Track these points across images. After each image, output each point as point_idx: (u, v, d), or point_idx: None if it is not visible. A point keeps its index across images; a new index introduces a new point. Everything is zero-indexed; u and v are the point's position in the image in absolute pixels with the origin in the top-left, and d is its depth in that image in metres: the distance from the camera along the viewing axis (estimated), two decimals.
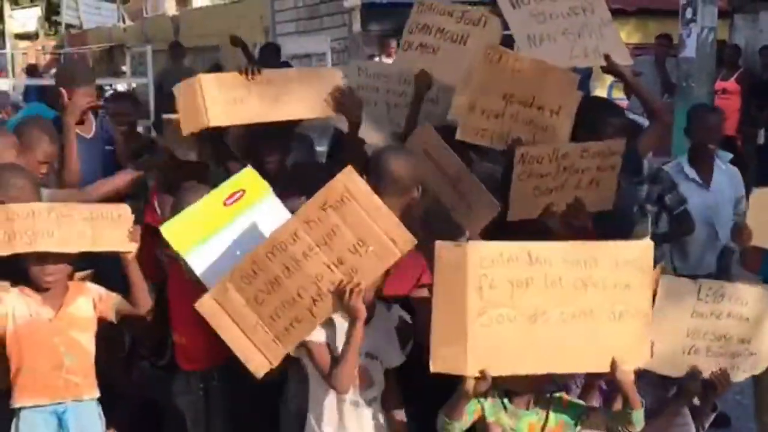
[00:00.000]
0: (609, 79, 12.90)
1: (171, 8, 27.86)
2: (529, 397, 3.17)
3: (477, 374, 2.98)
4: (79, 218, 3.47)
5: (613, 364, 3.05)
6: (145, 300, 3.60)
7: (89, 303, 3.56)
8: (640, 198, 4.84)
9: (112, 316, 3.59)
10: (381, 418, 3.42)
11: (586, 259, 3.04)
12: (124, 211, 3.56)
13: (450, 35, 4.53)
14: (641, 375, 3.20)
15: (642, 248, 3.15)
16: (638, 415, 3.07)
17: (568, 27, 4.36)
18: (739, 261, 4.48)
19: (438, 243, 3.04)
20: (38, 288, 3.48)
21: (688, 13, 9.14)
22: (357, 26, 15.32)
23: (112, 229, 3.51)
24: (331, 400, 3.33)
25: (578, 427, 3.19)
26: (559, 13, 4.36)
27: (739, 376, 3.52)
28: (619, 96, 11.05)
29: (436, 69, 4.49)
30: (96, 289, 3.61)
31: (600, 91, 11.92)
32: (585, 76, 10.42)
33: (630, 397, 3.06)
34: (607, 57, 4.34)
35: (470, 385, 2.98)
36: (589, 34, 4.37)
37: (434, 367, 3.00)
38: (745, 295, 3.44)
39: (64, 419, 3.47)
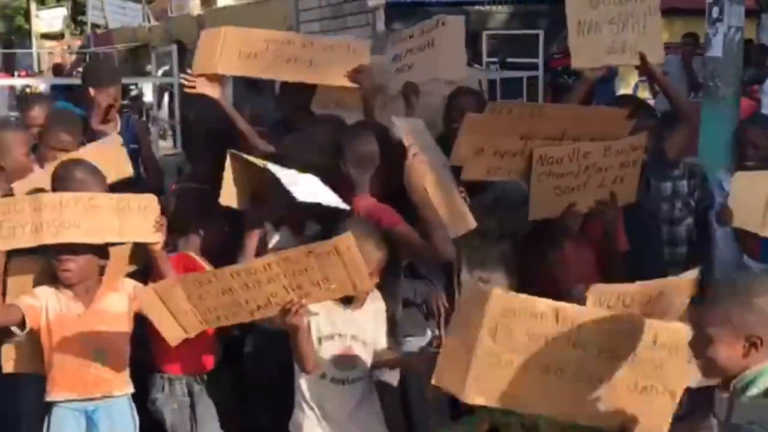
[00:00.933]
0: (634, 78, 12.94)
1: (196, 8, 27.94)
2: None
3: (477, 402, 2.97)
4: (106, 208, 3.44)
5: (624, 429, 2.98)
6: None
7: (123, 299, 3.55)
8: (681, 193, 4.70)
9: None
10: (365, 397, 3.50)
11: (618, 330, 2.94)
12: (151, 201, 3.54)
13: (416, 47, 4.62)
14: None
15: (680, 332, 2.93)
16: None
17: (616, 15, 4.35)
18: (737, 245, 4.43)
19: (466, 280, 3.12)
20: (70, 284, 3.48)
21: (715, 12, 9.04)
22: (381, 25, 15.30)
23: (139, 220, 3.49)
24: (312, 376, 3.40)
25: None
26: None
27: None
28: (644, 96, 11.02)
29: (417, 77, 4.54)
30: (129, 285, 3.59)
31: (624, 91, 11.90)
32: (612, 76, 10.44)
33: None
34: (642, 57, 4.34)
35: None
36: (632, 26, 4.36)
37: (436, 381, 2.99)
38: None
39: (93, 416, 3.48)
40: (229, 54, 4.26)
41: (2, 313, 3.36)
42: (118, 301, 3.55)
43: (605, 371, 2.96)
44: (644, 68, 4.47)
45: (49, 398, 3.47)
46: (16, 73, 30.29)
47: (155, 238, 3.52)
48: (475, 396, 2.95)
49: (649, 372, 2.98)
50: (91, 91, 4.94)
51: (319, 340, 3.36)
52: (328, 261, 3.07)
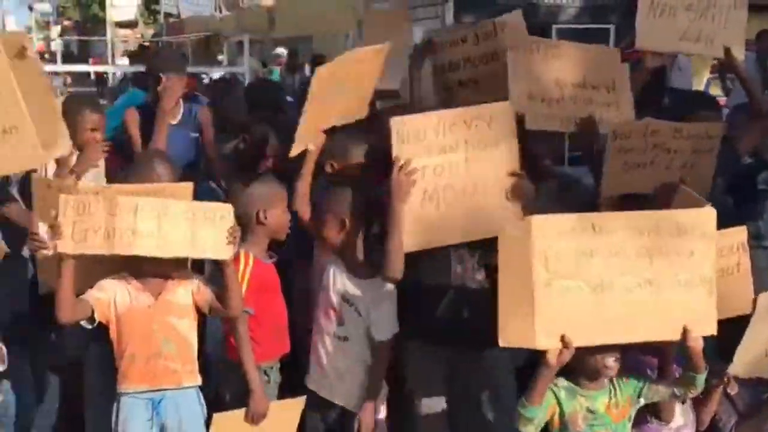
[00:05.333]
0: (705, 75, 12.68)
1: None
2: (598, 378, 3.23)
3: (549, 346, 3.03)
4: (181, 219, 3.37)
5: (684, 332, 3.09)
6: (237, 306, 3.54)
7: (188, 292, 3.57)
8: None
9: (206, 309, 3.60)
10: (351, 359, 3.78)
11: (648, 227, 3.07)
12: (227, 212, 3.45)
13: (479, 59, 4.46)
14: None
15: (704, 215, 3.14)
16: (701, 379, 3.17)
17: (696, 2, 4.29)
18: None
19: (502, 220, 3.20)
20: (138, 275, 3.53)
21: None
22: (450, 17, 15.25)
23: (212, 231, 3.40)
24: (314, 323, 3.84)
25: (641, 399, 3.27)
26: None
27: None
28: (716, 93, 10.79)
29: (487, 99, 4.29)
30: (195, 280, 3.61)
31: (696, 88, 11.67)
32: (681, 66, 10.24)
33: (696, 363, 3.14)
34: (727, 50, 4.29)
35: (552, 356, 3.02)
36: (713, 16, 4.30)
37: (503, 342, 3.05)
38: None
39: (161, 406, 3.51)
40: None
41: (73, 309, 3.40)
42: (184, 293, 3.58)
43: (647, 273, 3.06)
44: (727, 61, 4.40)
45: (120, 389, 3.52)
46: (90, 60, 30.90)
47: (226, 254, 3.44)
48: (546, 341, 3.03)
49: (684, 263, 3.08)
50: (161, 78, 5.02)
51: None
52: None
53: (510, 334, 3.04)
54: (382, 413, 3.93)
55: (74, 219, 3.31)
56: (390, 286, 3.76)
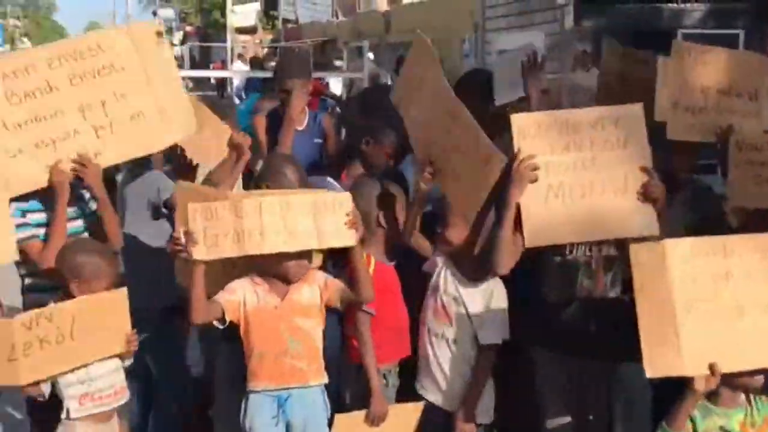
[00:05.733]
0: None
1: (383, 4, 28.42)
2: (734, 397, 3.12)
3: (698, 373, 2.95)
4: (303, 212, 3.45)
5: None
6: (369, 292, 3.60)
7: (315, 290, 3.61)
8: None
9: (337, 304, 3.64)
10: (460, 362, 3.79)
11: None
12: (347, 200, 3.53)
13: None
14: None
15: None
16: None
17: None
18: None
19: (634, 245, 3.08)
20: (266, 276, 3.59)
21: None
22: (569, 22, 15.06)
23: (334, 220, 3.47)
24: (421, 325, 3.87)
25: None
26: None
27: None
28: None
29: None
30: (321, 276, 3.66)
31: None
32: None
33: None
34: None
35: (700, 384, 2.96)
36: None
37: (651, 373, 2.98)
38: None
39: (287, 404, 3.56)
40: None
41: (206, 311, 3.50)
42: (310, 293, 3.62)
43: None
44: None
45: (248, 387, 3.59)
46: (210, 66, 31.71)
47: (351, 240, 3.51)
48: (695, 368, 2.96)
49: None
50: (288, 83, 5.09)
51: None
52: None
53: (657, 364, 2.98)
54: (487, 419, 3.88)
55: (204, 225, 3.40)
56: (501, 292, 3.75)
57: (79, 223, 3.92)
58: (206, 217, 3.40)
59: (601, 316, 3.67)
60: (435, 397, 3.86)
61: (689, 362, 2.96)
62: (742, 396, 3.14)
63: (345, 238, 3.50)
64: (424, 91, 3.89)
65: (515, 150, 3.52)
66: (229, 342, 3.71)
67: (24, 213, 3.78)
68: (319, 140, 5.35)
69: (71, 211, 3.87)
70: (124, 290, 3.47)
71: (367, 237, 3.72)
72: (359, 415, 3.72)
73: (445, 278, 3.83)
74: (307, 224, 3.45)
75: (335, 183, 4.64)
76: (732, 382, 3.08)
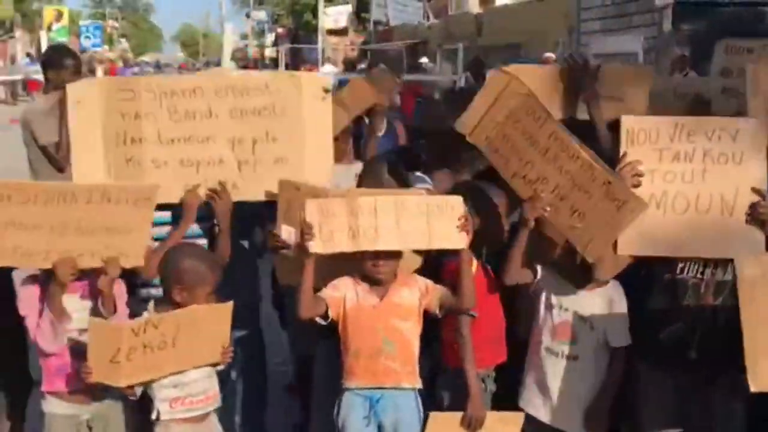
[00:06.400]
0: None
1: (474, 6, 28.32)
2: None
3: None
4: (416, 212, 3.52)
5: None
6: (470, 298, 3.58)
7: (414, 294, 3.62)
8: None
9: (436, 310, 3.63)
10: (580, 379, 3.70)
11: None
12: (458, 203, 3.56)
13: None
14: None
15: None
16: None
17: None
18: None
19: (739, 259, 3.00)
20: (367, 277, 3.61)
21: None
22: (667, 25, 14.75)
23: (446, 222, 3.53)
24: (532, 344, 3.80)
25: None
26: None
27: None
28: None
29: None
30: (423, 282, 3.66)
31: None
32: None
33: None
34: None
35: None
36: None
37: (755, 387, 2.91)
38: None
39: (378, 404, 3.57)
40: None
41: (312, 306, 3.55)
42: (409, 296, 3.62)
43: None
44: None
45: (344, 384, 3.61)
46: (301, 67, 32.02)
47: (461, 243, 3.53)
48: None
49: None
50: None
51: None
52: None
53: (762, 378, 2.90)
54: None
55: (320, 220, 3.49)
56: (621, 295, 3.67)
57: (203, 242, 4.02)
58: (323, 213, 3.49)
59: (703, 341, 3.55)
60: (545, 416, 3.79)
61: None
62: None
63: (456, 240, 3.54)
64: (515, 127, 3.76)
65: (621, 153, 3.43)
66: (327, 339, 3.73)
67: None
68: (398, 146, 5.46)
69: (197, 227, 4.01)
70: (230, 304, 3.52)
71: None
72: (456, 416, 3.69)
73: (556, 292, 3.76)
74: (419, 225, 3.52)
75: (428, 179, 4.64)
76: None
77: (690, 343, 3.57)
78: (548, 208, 3.63)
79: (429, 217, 3.52)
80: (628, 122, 3.47)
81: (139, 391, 3.51)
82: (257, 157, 3.94)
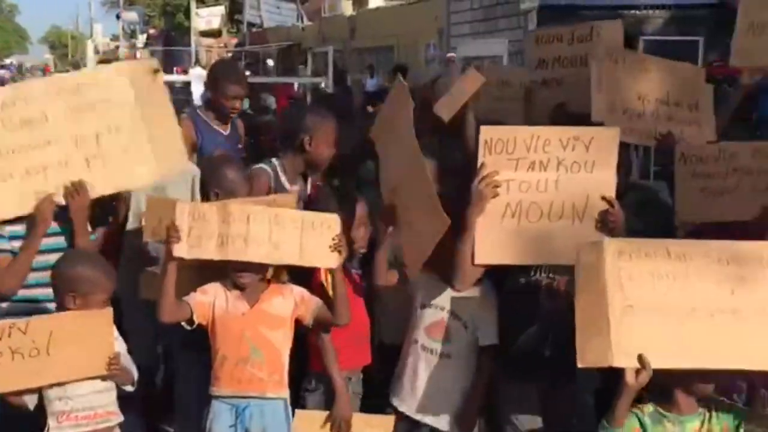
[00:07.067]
0: None
1: (348, 9, 28.45)
2: (689, 403, 3.10)
3: (627, 365, 2.94)
4: (290, 227, 3.50)
5: None
6: (345, 314, 3.61)
7: (288, 303, 3.62)
8: None
9: (309, 321, 3.63)
10: (452, 377, 3.73)
11: (728, 256, 2.98)
12: (334, 222, 3.55)
13: (567, 59, 4.42)
14: None
15: None
16: None
17: None
18: None
19: (579, 245, 3.07)
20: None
21: None
22: (533, 28, 15.18)
23: (319, 241, 3.51)
24: (407, 342, 3.81)
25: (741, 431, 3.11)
26: None
27: None
28: None
29: (568, 100, 4.34)
30: (299, 292, 3.65)
31: None
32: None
33: None
34: None
35: (630, 376, 2.94)
36: None
37: (581, 363, 2.98)
38: None
39: (244, 414, 3.53)
40: None
41: (174, 310, 3.50)
42: (282, 305, 3.61)
43: (729, 303, 2.96)
44: None
45: (210, 391, 3.58)
46: (174, 69, 31.48)
47: (333, 263, 3.53)
48: (623, 359, 2.94)
49: None
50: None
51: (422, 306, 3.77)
52: None
53: (588, 355, 2.98)
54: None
55: (190, 225, 3.45)
56: (491, 290, 3.73)
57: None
58: (193, 217, 3.46)
59: (557, 339, 3.62)
60: (421, 414, 3.80)
61: (618, 354, 2.92)
62: (698, 402, 3.12)
63: (328, 259, 3.54)
64: (395, 135, 3.86)
65: (479, 163, 3.48)
66: (189, 350, 3.71)
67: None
68: (240, 145, 5.47)
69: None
70: (109, 310, 3.40)
71: None
72: (321, 415, 3.71)
73: (433, 291, 3.79)
74: (292, 240, 3.50)
75: None
76: (686, 387, 3.09)
77: (545, 341, 3.67)
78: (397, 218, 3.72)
79: (303, 233, 3.51)
80: (485, 133, 3.49)
81: (30, 402, 3.36)
82: (104, 150, 3.84)
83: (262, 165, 4.30)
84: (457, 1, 18.50)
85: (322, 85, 13.29)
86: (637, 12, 15.13)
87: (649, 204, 4.06)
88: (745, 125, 6.35)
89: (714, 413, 3.11)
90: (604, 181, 3.49)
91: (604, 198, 3.48)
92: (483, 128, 3.53)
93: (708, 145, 3.92)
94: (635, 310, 2.95)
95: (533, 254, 3.52)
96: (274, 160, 4.33)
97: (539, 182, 3.49)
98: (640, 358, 2.93)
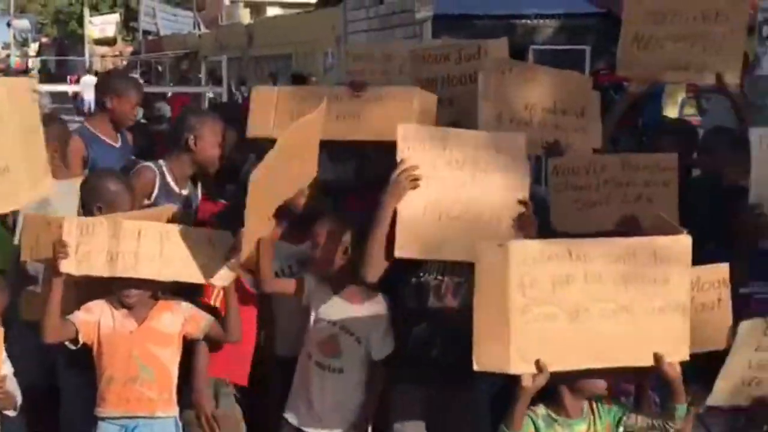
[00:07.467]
0: (680, 95, 12.80)
1: (245, 17, 28.31)
2: (576, 406, 3.19)
3: (522, 371, 3.00)
4: (182, 243, 3.43)
5: (658, 359, 3.08)
6: (237, 329, 3.57)
7: (177, 320, 3.55)
8: None
9: (200, 337, 3.58)
10: (343, 391, 3.70)
11: (625, 254, 3.05)
12: (227, 238, 3.47)
13: (456, 78, 4.43)
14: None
15: (680, 242, 3.11)
16: (682, 410, 3.12)
17: (686, 34, 4.26)
18: None
19: (479, 243, 3.08)
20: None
21: (765, 31, 9.03)
22: (428, 37, 15.36)
23: (211, 258, 3.44)
24: (301, 356, 3.73)
25: (620, 429, 3.21)
26: (684, 16, 4.27)
27: None
28: (690, 113, 10.93)
29: (461, 119, 4.27)
30: (187, 308, 3.59)
31: (671, 108, 11.78)
32: (658, 92, 10.38)
33: (675, 391, 3.10)
34: (719, 77, 4.24)
35: (527, 380, 3.00)
36: (705, 45, 4.25)
37: (477, 366, 3.01)
38: None
39: None
40: (282, 117, 4.04)
41: (58, 330, 3.42)
42: (171, 322, 3.55)
43: (623, 300, 3.05)
44: (719, 88, 4.36)
45: (96, 412, 3.50)
46: (68, 78, 30.79)
47: (226, 281, 3.48)
48: (520, 365, 3.00)
49: (660, 290, 3.07)
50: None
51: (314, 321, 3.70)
52: None
53: (484, 359, 3.01)
54: None
55: (78, 240, 3.36)
56: (384, 304, 3.71)
57: None
58: (82, 232, 3.37)
59: (445, 341, 3.64)
60: (308, 425, 3.75)
61: (516, 360, 2.98)
62: (586, 405, 3.21)
63: (221, 276, 3.47)
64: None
65: (398, 160, 3.49)
66: (75, 370, 3.63)
67: None
68: (132, 156, 5.32)
69: None
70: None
71: None
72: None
73: (325, 306, 3.74)
74: (183, 256, 3.43)
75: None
76: (573, 388, 3.16)
77: (433, 343, 3.68)
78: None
79: (195, 250, 3.43)
80: (402, 131, 3.52)
81: None
82: None
83: (148, 163, 4.24)
84: (354, 10, 18.61)
85: (210, 94, 13.14)
86: (528, 21, 15.48)
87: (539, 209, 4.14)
88: (632, 132, 6.54)
89: (597, 414, 3.21)
90: (516, 183, 3.56)
91: (518, 200, 3.54)
92: (400, 127, 3.56)
93: (579, 157, 3.98)
94: (534, 314, 2.99)
95: (452, 250, 3.52)
96: (160, 161, 4.25)
97: (457, 179, 3.53)
98: (537, 363, 2.99)
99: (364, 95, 4.08)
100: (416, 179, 3.49)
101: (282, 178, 3.59)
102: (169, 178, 4.22)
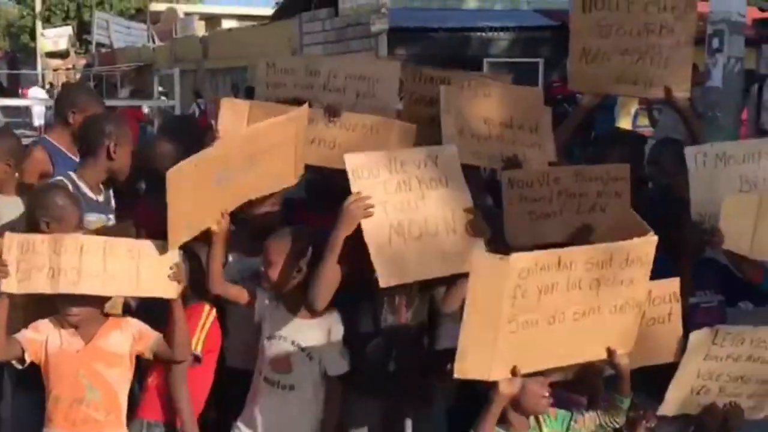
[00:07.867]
0: (633, 106, 12.96)
1: (200, 29, 28.15)
2: (522, 421, 3.24)
3: (500, 377, 3.05)
4: (126, 257, 3.37)
5: (611, 352, 3.20)
6: (184, 348, 3.51)
7: (125, 339, 3.50)
8: None
9: (149, 355, 3.53)
10: (295, 408, 3.64)
11: (603, 259, 3.11)
12: (173, 250, 3.41)
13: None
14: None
15: (650, 243, 3.18)
16: (626, 402, 3.25)
17: (632, 47, 4.28)
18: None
19: (476, 255, 3.12)
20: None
21: (715, 43, 9.16)
22: (383, 50, 15.38)
23: (156, 270, 3.39)
24: (255, 371, 3.69)
25: None
26: (629, 29, 4.29)
27: (758, 414, 3.57)
28: (644, 124, 11.05)
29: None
30: (136, 326, 3.54)
31: (625, 119, 11.94)
32: (612, 104, 10.49)
33: (622, 384, 3.22)
34: (667, 91, 4.28)
35: (504, 386, 3.05)
36: (652, 58, 4.28)
37: (458, 374, 3.02)
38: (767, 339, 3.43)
39: None
40: None
41: (3, 349, 3.37)
42: (119, 341, 3.50)
43: (593, 302, 3.14)
44: (668, 101, 4.38)
45: None
46: (20, 91, 30.43)
47: (172, 293, 3.42)
48: (500, 372, 3.05)
49: (624, 290, 3.18)
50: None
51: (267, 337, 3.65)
52: None
53: (467, 366, 3.01)
54: None
55: (19, 258, 3.31)
56: (337, 319, 3.68)
57: None
58: (22, 250, 3.32)
59: (400, 353, 3.65)
60: None
61: (496, 368, 3.03)
62: (532, 418, 3.24)
63: (165, 289, 3.42)
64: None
65: (352, 189, 3.50)
66: (24, 391, 3.57)
67: None
68: None
69: None
70: None
71: None
72: None
73: (276, 322, 3.69)
74: (128, 269, 3.38)
75: None
76: (516, 407, 3.19)
77: (390, 356, 3.68)
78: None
79: (139, 263, 3.39)
80: (349, 161, 3.53)
81: None
82: None
83: (59, 177, 4.14)
84: (309, 23, 18.55)
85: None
86: (483, 35, 15.56)
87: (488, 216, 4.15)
88: (585, 143, 6.57)
89: (543, 424, 3.26)
90: (458, 192, 3.63)
91: (465, 209, 3.61)
92: (346, 156, 3.57)
93: (533, 170, 4.00)
94: (519, 323, 3.04)
95: (426, 269, 3.56)
96: (70, 173, 4.16)
97: (409, 201, 3.58)
98: (513, 368, 3.06)
99: (338, 121, 4.12)
100: (368, 207, 3.50)
101: (242, 173, 3.57)
102: (82, 186, 4.13)
